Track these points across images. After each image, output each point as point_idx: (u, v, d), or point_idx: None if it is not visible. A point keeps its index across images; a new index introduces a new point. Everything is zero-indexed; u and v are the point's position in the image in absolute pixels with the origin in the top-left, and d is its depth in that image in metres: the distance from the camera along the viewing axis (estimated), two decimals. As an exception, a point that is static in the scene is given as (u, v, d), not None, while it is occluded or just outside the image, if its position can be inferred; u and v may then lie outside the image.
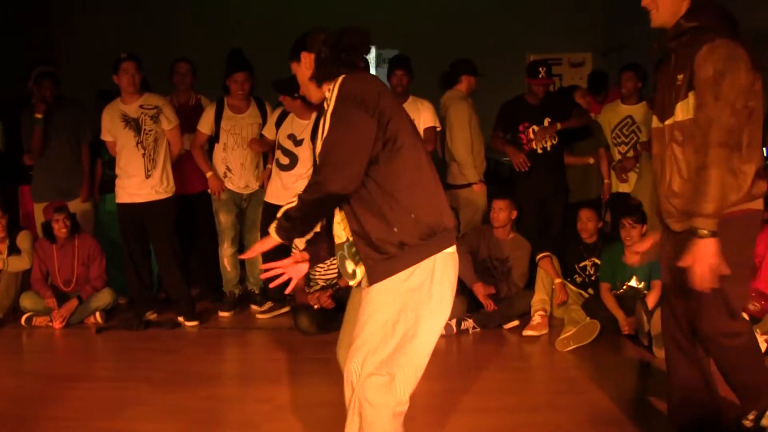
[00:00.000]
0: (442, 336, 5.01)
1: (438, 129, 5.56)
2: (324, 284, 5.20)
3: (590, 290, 5.14)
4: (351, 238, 2.41)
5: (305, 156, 5.20)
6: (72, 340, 5.16)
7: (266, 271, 2.62)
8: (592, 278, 5.16)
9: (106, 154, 5.69)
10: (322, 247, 2.66)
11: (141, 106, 5.27)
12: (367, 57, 2.65)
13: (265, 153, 5.62)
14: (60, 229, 5.40)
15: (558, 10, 9.78)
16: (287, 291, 2.62)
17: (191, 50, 6.45)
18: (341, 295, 4.92)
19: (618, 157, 5.93)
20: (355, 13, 9.55)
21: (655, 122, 2.92)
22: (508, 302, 5.17)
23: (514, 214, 5.37)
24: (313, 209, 2.39)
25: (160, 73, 5.96)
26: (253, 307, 5.65)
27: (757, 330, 4.34)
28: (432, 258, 2.39)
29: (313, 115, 5.21)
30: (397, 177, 2.37)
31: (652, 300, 4.61)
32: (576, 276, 5.23)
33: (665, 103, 2.84)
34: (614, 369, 4.28)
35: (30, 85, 5.83)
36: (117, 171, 5.38)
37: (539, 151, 5.67)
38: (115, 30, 9.26)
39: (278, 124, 5.36)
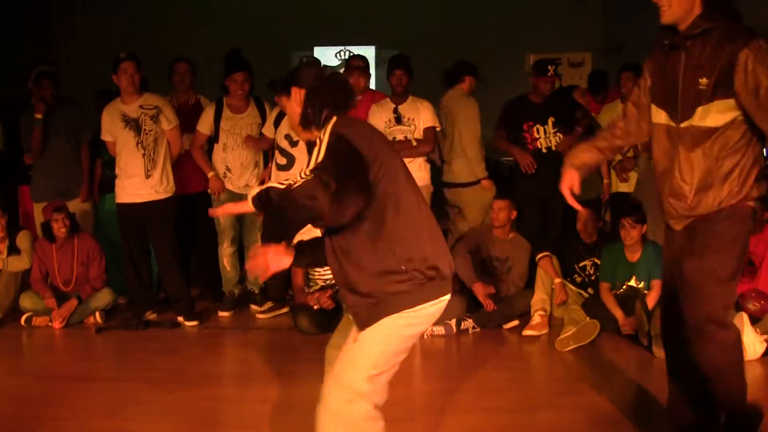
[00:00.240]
0: (442, 336, 5.07)
1: (438, 129, 5.55)
2: (323, 284, 5.19)
3: (590, 290, 5.14)
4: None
5: (302, 157, 5.19)
6: (72, 340, 5.16)
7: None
8: (592, 278, 5.16)
9: (105, 154, 5.69)
10: (320, 252, 2.65)
11: (141, 106, 5.27)
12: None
13: (266, 152, 5.62)
14: (59, 228, 5.40)
15: (558, 10, 9.80)
16: (261, 279, 2.58)
17: (191, 50, 6.45)
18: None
19: (618, 157, 5.92)
20: (355, 13, 9.60)
21: (663, 118, 2.87)
22: (507, 302, 5.17)
23: (514, 214, 5.37)
24: (292, 211, 2.25)
25: (159, 73, 5.96)
26: (253, 307, 5.64)
27: (757, 330, 4.34)
28: (429, 303, 2.38)
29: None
30: (387, 223, 2.34)
31: (652, 300, 4.62)
32: (576, 276, 5.23)
33: (680, 102, 2.79)
34: (614, 369, 4.29)
35: (30, 85, 5.83)
36: (117, 171, 5.37)
37: (544, 150, 5.67)
38: (115, 30, 9.28)
39: (276, 123, 5.35)
